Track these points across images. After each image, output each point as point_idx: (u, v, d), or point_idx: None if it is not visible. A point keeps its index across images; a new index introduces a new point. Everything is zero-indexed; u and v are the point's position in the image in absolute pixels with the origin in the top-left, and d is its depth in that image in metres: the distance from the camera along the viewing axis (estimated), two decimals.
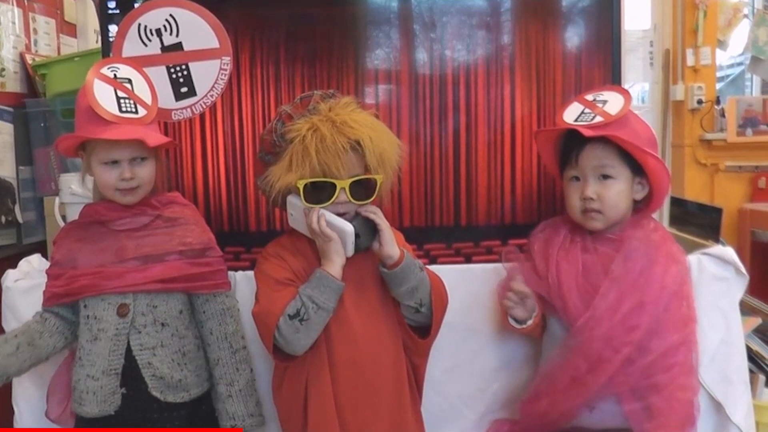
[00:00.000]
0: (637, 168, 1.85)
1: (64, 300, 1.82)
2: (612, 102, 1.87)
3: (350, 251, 1.72)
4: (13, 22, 3.38)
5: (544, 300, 1.90)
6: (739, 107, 4.96)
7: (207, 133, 2.15)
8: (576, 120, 1.88)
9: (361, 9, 2.20)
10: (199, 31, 2.03)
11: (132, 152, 1.77)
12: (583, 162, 1.87)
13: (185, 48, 2.04)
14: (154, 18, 2.03)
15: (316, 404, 1.74)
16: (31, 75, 3.45)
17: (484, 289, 2.02)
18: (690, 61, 5.01)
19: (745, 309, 2.34)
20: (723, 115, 5.03)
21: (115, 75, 1.81)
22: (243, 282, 2.02)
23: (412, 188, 2.17)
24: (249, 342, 1.96)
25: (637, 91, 6.18)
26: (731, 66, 6.48)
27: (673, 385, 1.80)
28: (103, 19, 2.18)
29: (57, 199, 2.62)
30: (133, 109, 1.76)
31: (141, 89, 1.83)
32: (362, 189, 1.74)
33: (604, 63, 2.19)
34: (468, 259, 2.17)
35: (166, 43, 2.04)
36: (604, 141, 1.83)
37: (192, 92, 2.06)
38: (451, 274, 1.91)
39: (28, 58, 3.46)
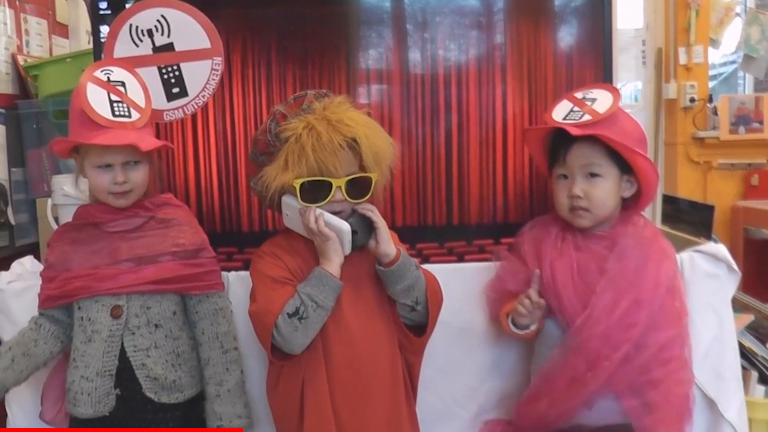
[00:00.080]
0: (625, 166, 1.86)
1: (58, 302, 1.82)
2: (601, 100, 1.87)
3: (347, 249, 1.73)
4: (5, 23, 3.37)
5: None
6: (732, 105, 4.97)
7: (199, 134, 2.15)
8: (564, 118, 1.88)
9: (353, 9, 2.20)
10: (190, 31, 2.03)
11: (125, 156, 1.76)
12: (570, 160, 1.88)
13: (176, 48, 2.04)
14: (145, 18, 2.03)
15: (313, 404, 1.74)
16: (23, 76, 3.44)
17: (477, 288, 2.03)
18: (682, 59, 5.02)
19: (738, 306, 2.35)
20: (716, 113, 5.04)
21: (108, 78, 1.80)
22: (236, 282, 2.02)
23: (404, 187, 2.17)
24: (243, 342, 1.96)
25: (630, 89, 6.19)
26: (724, 64, 6.48)
27: (669, 379, 1.82)
28: (95, 20, 2.18)
29: (49, 201, 2.61)
30: (127, 113, 1.75)
31: (134, 92, 1.82)
32: (358, 187, 1.74)
33: (596, 62, 2.20)
34: (460, 258, 2.18)
35: (157, 44, 2.04)
36: (592, 139, 1.83)
37: (184, 93, 2.06)
38: (443, 273, 1.91)
39: (20, 59, 3.45)
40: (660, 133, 5.28)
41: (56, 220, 2.56)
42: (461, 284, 2.03)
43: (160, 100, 2.02)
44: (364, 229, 1.74)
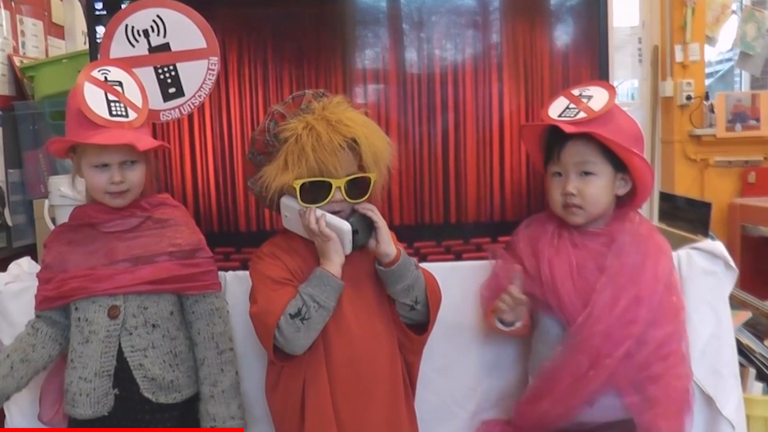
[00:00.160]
0: (619, 164, 1.86)
1: (55, 303, 1.81)
2: (597, 98, 1.87)
3: (348, 249, 1.73)
4: (1, 24, 3.37)
5: (534, 298, 1.90)
6: (728, 103, 4.97)
7: (195, 134, 2.14)
8: (560, 115, 1.88)
9: (349, 8, 2.20)
10: (186, 31, 2.03)
11: (122, 156, 1.76)
12: (564, 158, 1.88)
13: (173, 48, 2.04)
14: (141, 19, 2.03)
15: (314, 403, 1.73)
16: (19, 77, 3.44)
17: (474, 287, 2.03)
18: (679, 57, 5.03)
19: (735, 303, 2.35)
20: (712, 110, 5.05)
21: (105, 78, 1.80)
22: (233, 282, 2.02)
23: (401, 186, 2.17)
24: (241, 342, 1.96)
25: (627, 87, 6.19)
26: (720, 62, 6.50)
27: (669, 374, 1.82)
28: (91, 21, 2.17)
29: (46, 202, 2.61)
30: (124, 113, 1.75)
31: (132, 92, 1.82)
32: (357, 188, 1.74)
33: (593, 60, 2.20)
34: (458, 257, 2.18)
35: (153, 44, 2.04)
36: (586, 137, 1.83)
37: (180, 93, 2.06)
38: (441, 272, 1.91)
39: (16, 60, 3.45)
40: (657, 130, 5.28)
41: (53, 221, 2.56)
42: (459, 283, 2.03)
43: (156, 101, 2.02)
44: (364, 228, 1.74)
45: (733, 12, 5.18)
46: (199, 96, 2.07)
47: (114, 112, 1.73)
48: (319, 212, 1.70)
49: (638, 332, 1.79)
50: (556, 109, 1.90)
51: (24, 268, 2.15)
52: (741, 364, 2.17)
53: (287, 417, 1.79)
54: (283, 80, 2.14)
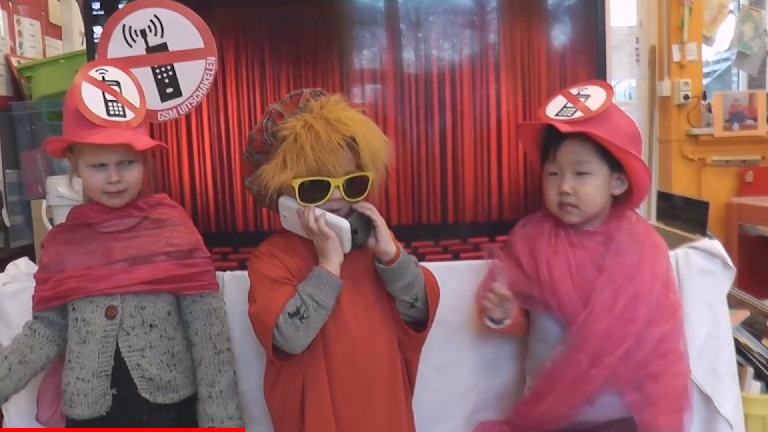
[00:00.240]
0: (615, 164, 1.86)
1: (52, 303, 1.81)
2: (594, 97, 1.87)
3: (347, 248, 1.73)
4: None
5: (532, 298, 1.90)
6: (726, 102, 4.98)
7: (193, 134, 2.14)
8: (557, 114, 1.88)
9: (346, 8, 2.20)
10: (183, 31, 2.03)
11: (119, 156, 1.76)
12: (560, 157, 1.88)
13: (170, 48, 2.03)
14: (138, 19, 2.02)
15: (314, 403, 1.73)
16: (17, 78, 3.44)
17: (472, 286, 2.02)
18: (676, 57, 5.03)
19: (733, 302, 2.36)
20: (710, 110, 5.05)
21: (103, 78, 1.80)
22: (231, 282, 2.02)
23: (399, 186, 2.17)
24: (239, 342, 1.96)
25: (624, 87, 6.20)
26: (717, 62, 6.51)
27: (668, 372, 1.83)
28: (88, 21, 2.17)
29: (44, 202, 2.60)
30: (121, 113, 1.75)
31: (129, 92, 1.82)
32: (355, 187, 1.74)
33: (590, 60, 2.20)
34: (456, 256, 2.18)
35: (150, 44, 2.03)
36: (582, 137, 1.83)
37: (177, 93, 2.05)
38: (439, 272, 1.91)
39: (14, 60, 3.45)
40: (654, 130, 5.29)
41: (51, 221, 2.55)
42: (457, 282, 2.03)
43: (154, 101, 2.02)
44: (363, 227, 1.74)
45: (731, 12, 5.19)
46: (197, 96, 2.07)
47: (111, 112, 1.73)
48: (318, 211, 1.70)
49: (638, 330, 1.80)
50: (554, 108, 1.90)
51: (21, 268, 2.15)
52: (739, 363, 2.17)
53: (286, 417, 1.79)
54: (280, 80, 2.14)
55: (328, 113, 1.69)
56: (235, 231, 2.17)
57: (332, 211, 1.72)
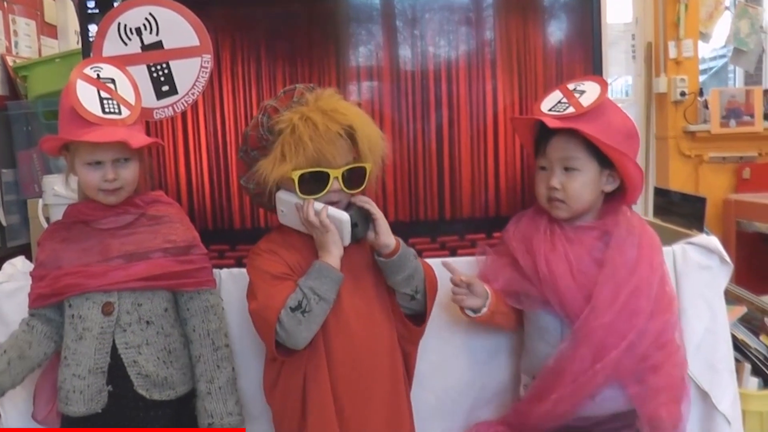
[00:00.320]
0: (605, 161, 1.85)
1: (49, 301, 1.81)
2: (589, 93, 1.87)
3: (347, 241, 1.73)
4: None
5: (529, 296, 1.90)
6: (722, 99, 4.99)
7: (189, 132, 2.14)
8: (551, 109, 1.88)
9: (342, 6, 2.19)
10: (179, 29, 2.02)
11: (115, 153, 1.75)
12: (550, 153, 1.88)
13: (165, 46, 2.03)
14: (133, 17, 2.01)
15: (315, 399, 1.73)
16: (12, 77, 3.44)
17: None
18: (672, 53, 5.04)
19: (731, 298, 2.35)
20: (706, 106, 5.06)
21: (98, 75, 1.80)
22: (228, 280, 2.01)
23: (396, 183, 2.17)
24: (237, 339, 1.96)
25: (621, 84, 6.20)
26: (714, 58, 6.51)
27: (668, 363, 1.84)
28: (83, 19, 2.17)
29: (40, 202, 2.60)
30: (117, 110, 1.75)
31: (124, 89, 1.82)
32: (353, 178, 1.74)
33: (586, 56, 2.20)
34: (453, 253, 2.17)
35: (146, 42, 2.03)
36: (572, 133, 1.83)
37: (173, 91, 2.04)
38: (436, 268, 1.90)
39: (9, 60, 3.45)
40: (651, 127, 5.29)
41: (47, 220, 2.55)
42: None
43: (149, 99, 2.01)
44: (362, 221, 1.74)
45: (727, 8, 5.20)
46: (193, 94, 2.06)
47: (107, 110, 1.73)
48: (318, 205, 1.70)
49: (641, 324, 1.80)
50: (549, 102, 1.91)
51: (18, 267, 2.15)
52: (736, 359, 2.17)
53: (288, 415, 1.79)
54: (276, 78, 2.14)
55: (323, 104, 1.69)
56: (232, 228, 2.17)
57: (331, 203, 1.72)
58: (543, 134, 1.90)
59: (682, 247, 2.07)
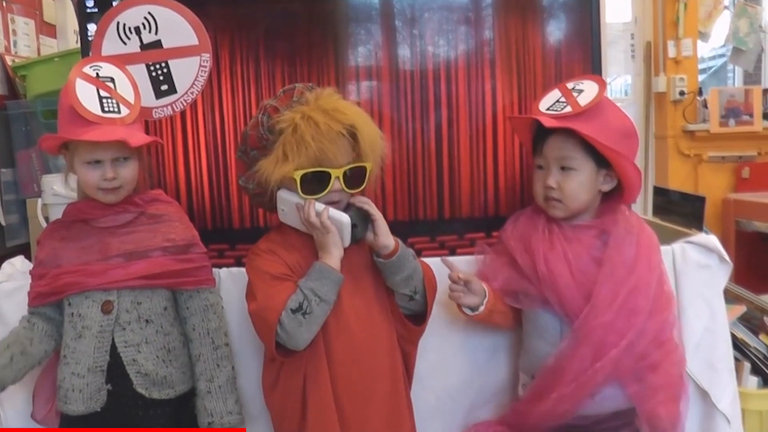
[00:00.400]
0: (602, 160, 1.84)
1: (49, 299, 1.80)
2: (587, 92, 1.86)
3: (347, 242, 1.73)
4: None
5: (527, 296, 1.90)
6: (722, 98, 4.99)
7: (188, 131, 2.14)
8: (548, 108, 1.88)
9: (341, 5, 2.19)
10: (177, 28, 2.02)
11: (114, 152, 1.75)
12: (546, 152, 1.88)
13: (164, 45, 2.02)
14: (132, 16, 2.01)
15: (316, 400, 1.73)
16: (11, 76, 3.44)
17: None
18: (671, 52, 5.04)
19: (730, 297, 2.35)
20: (705, 106, 5.06)
21: (97, 74, 1.80)
22: (227, 279, 2.01)
23: (395, 182, 2.17)
24: (236, 339, 1.96)
25: (620, 83, 6.20)
26: (713, 58, 6.52)
27: (667, 361, 1.84)
28: (82, 19, 2.17)
29: (40, 201, 2.61)
30: (116, 109, 1.75)
31: (124, 88, 1.82)
32: (354, 177, 1.73)
33: (585, 56, 2.20)
34: (452, 252, 2.17)
35: (145, 41, 2.02)
36: (568, 132, 1.83)
37: (172, 90, 2.04)
38: (435, 267, 1.91)
39: (8, 59, 3.45)
40: (650, 126, 5.30)
41: (47, 220, 2.56)
42: None
43: (148, 98, 2.01)
44: (362, 221, 1.74)
45: (726, 7, 5.20)
46: (192, 93, 2.06)
47: (106, 109, 1.73)
48: (320, 206, 1.70)
49: (640, 322, 1.80)
50: (547, 101, 1.90)
51: (17, 267, 2.15)
52: (736, 358, 2.17)
53: (288, 416, 1.79)
54: (275, 77, 2.14)
55: (324, 104, 1.68)
56: (231, 228, 2.17)
57: (331, 203, 1.72)
58: (540, 133, 1.90)
59: (681, 246, 2.07)
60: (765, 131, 5.00)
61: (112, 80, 1.80)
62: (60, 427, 1.86)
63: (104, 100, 1.74)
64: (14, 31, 3.57)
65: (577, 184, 1.86)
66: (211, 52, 2.04)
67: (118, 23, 2.01)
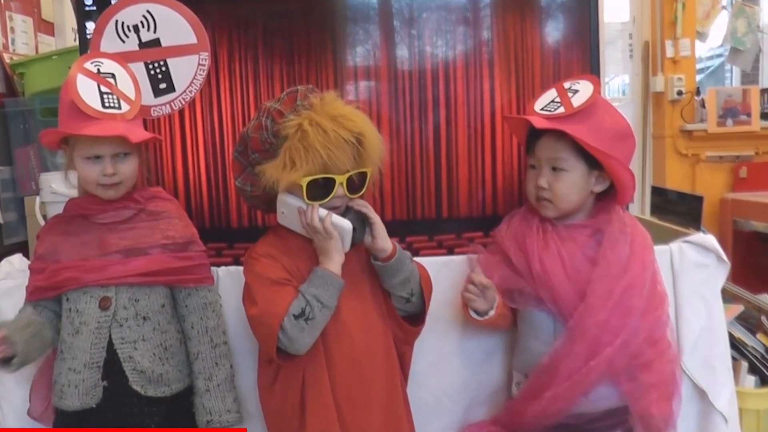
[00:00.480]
0: (594, 162, 1.84)
1: (47, 294, 1.80)
2: (582, 92, 1.86)
3: (347, 247, 1.73)
4: None
5: (522, 295, 1.90)
6: (719, 98, 4.99)
7: (187, 129, 2.14)
8: (543, 108, 1.88)
9: (340, 4, 2.19)
10: (176, 26, 2.02)
11: (114, 148, 1.75)
12: (538, 152, 1.89)
13: (163, 44, 2.03)
14: (131, 14, 2.02)
15: (316, 402, 1.73)
16: (9, 74, 3.44)
17: None
18: (669, 52, 5.04)
19: (728, 296, 2.36)
20: (703, 105, 5.06)
21: (98, 70, 1.80)
22: (225, 278, 2.01)
23: (394, 182, 2.17)
24: (233, 339, 1.95)
25: (618, 83, 6.21)
26: (710, 57, 6.52)
27: (660, 360, 1.85)
28: (80, 17, 2.17)
29: (38, 199, 2.61)
30: (117, 105, 1.75)
31: (125, 84, 1.82)
32: (356, 183, 1.73)
33: (584, 56, 2.20)
34: (450, 251, 2.18)
35: (143, 40, 2.03)
36: (560, 133, 1.83)
37: (171, 88, 2.05)
38: (433, 266, 1.92)
39: (6, 57, 3.44)
40: (648, 126, 5.29)
41: (45, 217, 2.55)
42: (451, 277, 2.02)
43: (147, 96, 2.01)
44: (360, 225, 1.74)
45: (724, 7, 5.20)
46: (190, 91, 2.06)
47: (107, 104, 1.73)
48: (323, 212, 1.69)
49: (634, 321, 1.81)
50: (542, 101, 1.91)
51: (15, 265, 2.15)
52: (733, 358, 2.18)
53: (285, 418, 1.78)
54: (273, 76, 2.14)
55: (330, 109, 1.67)
56: (230, 227, 2.17)
57: (333, 208, 1.71)
58: (533, 133, 1.90)
59: (679, 245, 2.07)
60: (762, 131, 5.00)
61: (113, 76, 1.80)
62: (55, 422, 1.85)
63: (105, 96, 1.74)
64: (12, 29, 3.57)
65: (567, 184, 1.86)
66: (210, 50, 2.05)
67: (116, 21, 2.02)
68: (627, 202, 1.94)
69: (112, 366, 1.76)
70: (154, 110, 2.05)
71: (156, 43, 2.03)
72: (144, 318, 1.79)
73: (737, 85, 5.71)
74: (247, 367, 1.96)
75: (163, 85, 2.04)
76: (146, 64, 2.03)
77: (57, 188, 2.34)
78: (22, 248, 2.99)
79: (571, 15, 2.20)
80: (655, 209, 2.88)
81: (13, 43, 3.56)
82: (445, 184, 2.19)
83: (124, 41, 2.02)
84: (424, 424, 2.00)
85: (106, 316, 1.76)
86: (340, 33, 2.17)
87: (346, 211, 1.74)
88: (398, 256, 1.75)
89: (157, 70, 2.03)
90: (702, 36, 5.16)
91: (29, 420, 1.94)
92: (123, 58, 1.94)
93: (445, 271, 2.01)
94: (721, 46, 5.59)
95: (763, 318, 2.39)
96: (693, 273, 2.05)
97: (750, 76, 5.68)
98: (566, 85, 1.91)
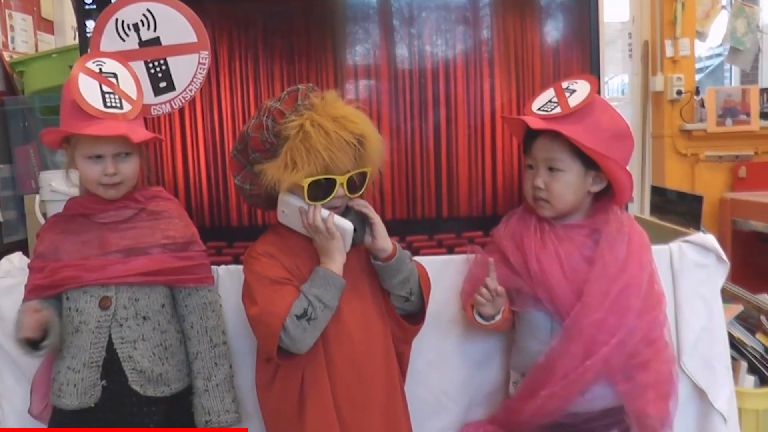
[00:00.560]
0: (590, 162, 1.84)
1: (46, 292, 1.80)
2: (579, 92, 1.86)
3: (348, 247, 1.73)
4: None
5: (520, 295, 1.90)
6: (719, 97, 4.99)
7: (187, 128, 2.14)
8: (540, 108, 1.88)
9: (340, 4, 2.19)
10: (176, 25, 2.02)
11: (116, 147, 1.75)
12: (534, 152, 1.89)
13: (163, 43, 2.03)
14: (131, 13, 2.02)
15: (316, 402, 1.73)
16: (9, 72, 3.43)
17: None
18: (669, 52, 5.04)
19: (727, 296, 2.36)
20: (703, 105, 5.07)
21: (100, 69, 1.79)
22: (225, 277, 2.01)
23: (394, 181, 2.17)
24: (232, 338, 1.95)
25: (617, 83, 6.21)
26: (710, 57, 6.53)
27: (656, 359, 1.85)
28: (80, 15, 2.16)
29: (37, 197, 2.60)
30: (118, 104, 1.75)
31: (126, 84, 1.81)
32: (355, 182, 1.73)
33: (583, 55, 2.20)
34: (450, 251, 2.18)
35: (143, 38, 2.03)
36: (556, 133, 1.83)
37: (171, 87, 2.05)
38: (433, 266, 1.92)
39: (6, 55, 3.44)
40: (647, 125, 5.29)
41: (44, 216, 2.55)
42: (451, 276, 2.03)
43: (147, 95, 2.00)
44: (360, 225, 1.74)
45: (723, 7, 5.20)
46: (190, 90, 2.06)
47: (108, 104, 1.73)
48: (325, 212, 1.69)
49: (630, 321, 1.81)
50: (540, 101, 1.91)
51: (15, 263, 2.15)
52: (733, 358, 2.18)
53: (284, 417, 1.78)
54: (274, 75, 2.14)
55: (332, 110, 1.66)
56: (230, 225, 2.17)
57: (333, 208, 1.71)
58: (530, 133, 1.90)
59: (678, 245, 2.07)
60: (762, 131, 5.00)
61: (115, 76, 1.80)
62: (51, 421, 1.85)
63: (107, 96, 1.74)
64: (12, 27, 3.57)
65: (563, 185, 1.86)
66: (210, 49, 2.05)
67: (116, 20, 2.02)
68: (625, 202, 1.94)
69: (111, 365, 1.76)
70: (154, 109, 2.05)
71: (156, 41, 2.03)
72: (144, 318, 1.79)
73: (736, 85, 5.72)
74: (247, 366, 1.96)
75: (163, 84, 2.04)
76: (146, 63, 2.03)
77: (57, 186, 2.34)
78: (22, 246, 2.99)
79: (570, 15, 2.20)
80: (655, 209, 2.88)
81: (12, 42, 3.56)
82: (445, 184, 2.19)
83: (124, 40, 2.02)
84: (424, 424, 2.00)
85: (106, 316, 1.76)
86: (340, 32, 2.16)
87: (346, 211, 1.74)
88: (398, 256, 1.75)
89: (157, 69, 2.03)
90: (701, 36, 5.16)
91: (29, 418, 1.94)
92: (123, 57, 1.94)
93: (445, 271, 2.01)
94: (721, 45, 5.60)
95: (763, 318, 2.39)
96: (693, 273, 2.05)
97: (749, 76, 5.69)
98: (564, 84, 1.91)
